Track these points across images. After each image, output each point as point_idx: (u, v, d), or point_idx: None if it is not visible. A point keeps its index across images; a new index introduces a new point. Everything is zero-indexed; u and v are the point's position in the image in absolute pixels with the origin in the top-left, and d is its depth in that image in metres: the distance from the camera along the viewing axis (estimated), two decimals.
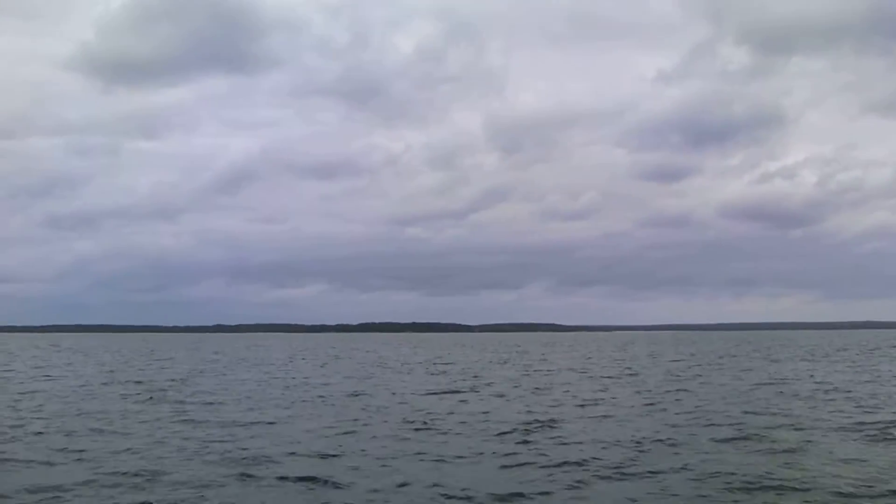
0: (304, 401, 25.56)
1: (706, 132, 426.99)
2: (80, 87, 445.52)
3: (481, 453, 15.45)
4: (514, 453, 15.37)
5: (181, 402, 24.77)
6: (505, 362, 54.12)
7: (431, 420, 20.38)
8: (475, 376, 38.49)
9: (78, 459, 14.72)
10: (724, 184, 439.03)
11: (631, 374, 39.42)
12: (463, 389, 30.06)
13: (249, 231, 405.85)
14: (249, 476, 13.02)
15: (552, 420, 20.22)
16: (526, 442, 16.82)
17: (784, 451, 15.38)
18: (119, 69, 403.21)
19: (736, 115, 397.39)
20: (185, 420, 20.38)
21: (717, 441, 16.75)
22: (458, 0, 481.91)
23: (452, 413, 21.95)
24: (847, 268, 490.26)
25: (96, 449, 15.81)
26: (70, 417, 21.01)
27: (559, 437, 17.53)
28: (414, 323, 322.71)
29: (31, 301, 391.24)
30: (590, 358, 61.64)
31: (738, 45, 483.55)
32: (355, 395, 27.79)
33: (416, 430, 18.68)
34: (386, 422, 20.21)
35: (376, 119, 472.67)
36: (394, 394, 28.31)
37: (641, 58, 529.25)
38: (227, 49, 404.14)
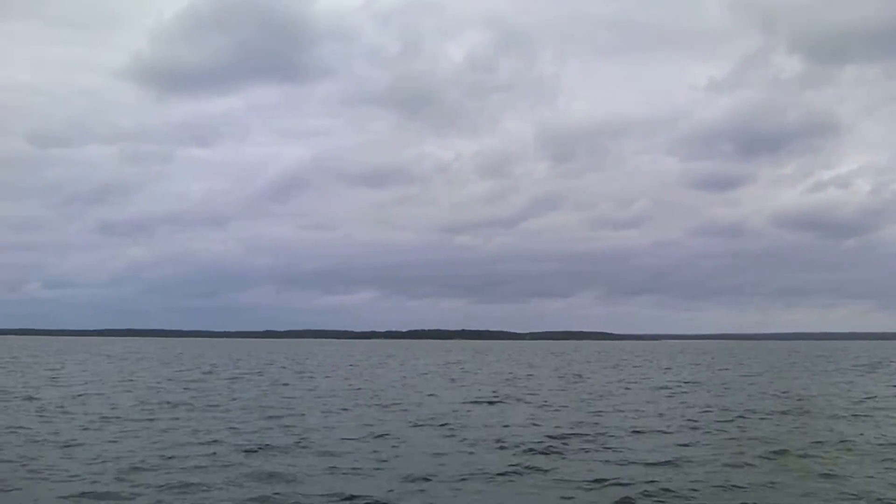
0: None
1: (758, 141, 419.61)
2: (134, 96, 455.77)
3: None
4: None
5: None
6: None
7: None
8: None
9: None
10: (776, 193, 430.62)
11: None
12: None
13: (300, 238, 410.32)
14: None
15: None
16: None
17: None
18: (172, 78, 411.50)
19: (789, 124, 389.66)
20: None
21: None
22: (509, 9, 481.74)
23: None
24: None
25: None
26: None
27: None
28: (463, 330, 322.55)
29: (85, 306, 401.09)
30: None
31: (790, 54, 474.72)
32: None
33: None
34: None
35: (427, 128, 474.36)
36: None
37: (693, 66, 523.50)
38: (278, 58, 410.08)
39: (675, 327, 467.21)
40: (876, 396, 31.85)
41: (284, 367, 57.17)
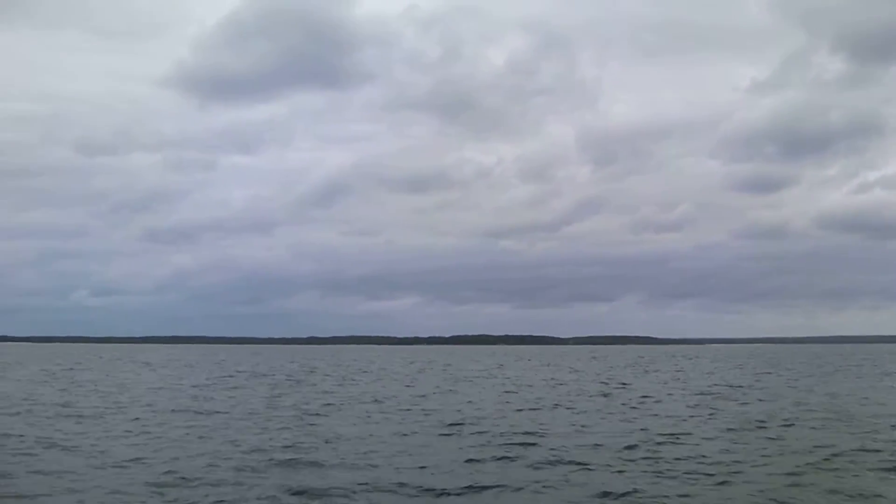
0: None
1: (802, 142, 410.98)
2: (177, 104, 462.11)
3: None
4: None
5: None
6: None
7: None
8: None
9: None
10: (821, 194, 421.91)
11: None
12: None
13: (343, 244, 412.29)
14: None
15: None
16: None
17: None
18: (214, 86, 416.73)
19: (833, 125, 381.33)
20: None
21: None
22: (549, 12, 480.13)
23: None
24: None
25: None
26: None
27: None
28: (506, 335, 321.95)
29: (131, 313, 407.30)
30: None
31: (833, 53, 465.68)
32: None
33: None
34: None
35: (468, 132, 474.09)
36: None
37: (735, 67, 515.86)
38: (320, 64, 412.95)
39: (718, 331, 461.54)
40: None
41: (328, 375, 57.24)
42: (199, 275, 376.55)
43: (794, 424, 23.42)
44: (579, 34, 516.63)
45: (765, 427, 22.73)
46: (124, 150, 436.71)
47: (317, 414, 26.39)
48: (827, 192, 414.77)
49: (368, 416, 25.76)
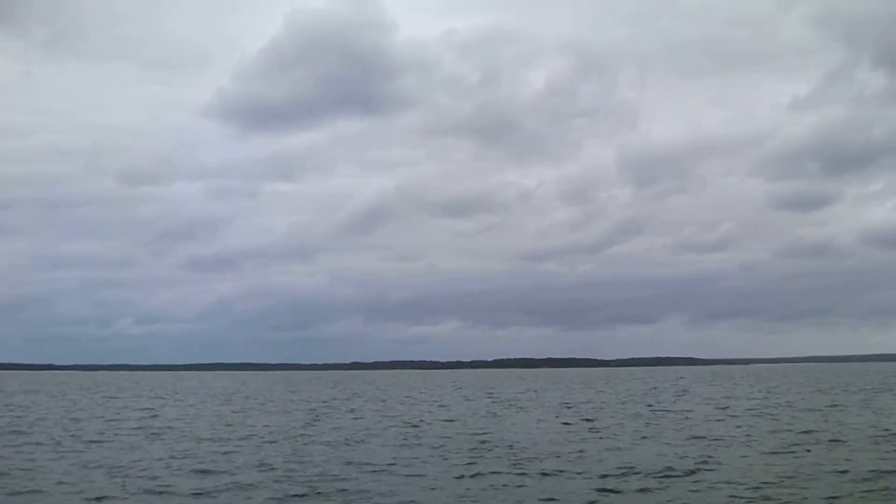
0: None
1: (845, 158, 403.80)
2: (218, 133, 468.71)
3: None
4: None
5: None
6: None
7: None
8: None
9: None
10: (866, 210, 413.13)
11: None
12: None
13: (384, 269, 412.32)
14: None
15: None
16: None
17: None
18: (255, 114, 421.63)
19: (876, 140, 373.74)
20: None
21: None
22: (587, 34, 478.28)
23: None
24: None
25: None
26: None
27: None
28: (549, 358, 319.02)
29: (175, 340, 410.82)
30: None
31: (874, 68, 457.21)
32: None
33: None
34: None
35: (508, 155, 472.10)
36: None
37: (776, 85, 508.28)
38: (359, 91, 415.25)
39: (763, 351, 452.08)
40: None
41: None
42: (241, 301, 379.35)
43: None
44: (618, 55, 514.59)
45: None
46: (167, 179, 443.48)
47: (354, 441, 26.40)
48: (871, 209, 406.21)
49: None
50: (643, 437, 25.79)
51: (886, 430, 26.80)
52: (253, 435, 28.04)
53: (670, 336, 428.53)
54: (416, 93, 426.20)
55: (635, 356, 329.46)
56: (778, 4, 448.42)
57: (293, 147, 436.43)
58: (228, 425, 32.64)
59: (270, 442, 25.62)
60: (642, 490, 16.25)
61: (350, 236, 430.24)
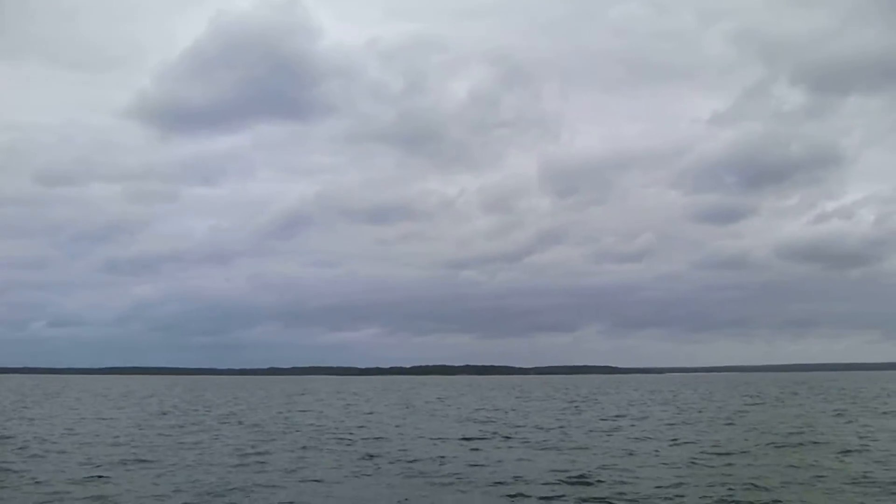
0: None
1: (762, 173, 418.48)
2: (139, 135, 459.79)
3: None
4: None
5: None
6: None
7: None
8: None
9: None
10: (781, 224, 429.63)
11: None
12: None
13: (304, 275, 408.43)
14: None
15: None
16: None
17: None
18: (176, 117, 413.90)
19: (792, 156, 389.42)
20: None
21: None
22: (513, 45, 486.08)
23: None
24: None
25: None
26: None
27: None
28: (468, 365, 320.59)
29: (90, 344, 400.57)
30: None
31: (792, 86, 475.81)
32: None
33: None
34: None
35: (431, 164, 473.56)
36: None
37: (696, 100, 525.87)
38: (283, 96, 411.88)
39: (680, 360, 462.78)
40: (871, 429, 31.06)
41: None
42: (159, 306, 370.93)
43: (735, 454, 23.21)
44: (542, 67, 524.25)
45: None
46: (84, 180, 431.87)
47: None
48: (786, 222, 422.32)
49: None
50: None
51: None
52: None
53: (589, 345, 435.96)
54: (339, 99, 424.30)
55: (554, 364, 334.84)
56: (699, 20, 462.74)
57: (214, 151, 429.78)
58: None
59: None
60: None
61: (270, 241, 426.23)
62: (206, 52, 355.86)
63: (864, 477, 18.08)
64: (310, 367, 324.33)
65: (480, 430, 31.28)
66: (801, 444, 25.25)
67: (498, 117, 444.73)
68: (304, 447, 25.09)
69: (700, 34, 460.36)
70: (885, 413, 41.28)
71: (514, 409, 48.05)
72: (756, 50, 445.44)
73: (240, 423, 36.18)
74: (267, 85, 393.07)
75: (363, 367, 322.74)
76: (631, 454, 22.84)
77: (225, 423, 36.19)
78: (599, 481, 17.87)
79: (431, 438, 27.98)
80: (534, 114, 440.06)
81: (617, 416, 39.82)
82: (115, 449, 24.61)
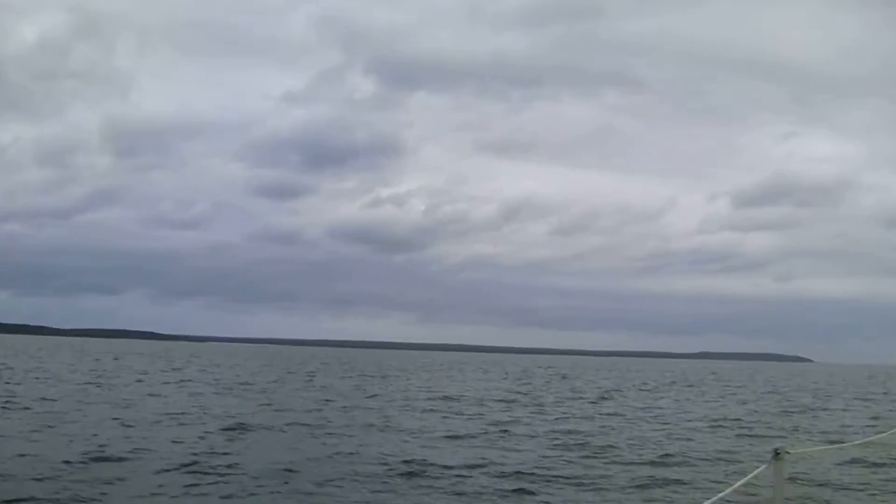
0: None
1: (325, 154, 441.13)
2: None
3: None
4: None
5: None
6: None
7: None
8: None
9: None
10: (336, 205, 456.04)
11: None
12: None
13: None
14: None
15: None
16: None
17: None
18: None
19: (357, 141, 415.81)
20: None
21: None
22: None
23: None
24: (444, 293, 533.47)
25: None
26: None
27: None
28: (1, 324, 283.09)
29: None
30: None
31: (366, 75, 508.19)
32: None
33: None
34: None
35: None
36: None
37: (272, 76, 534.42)
38: None
39: (226, 330, 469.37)
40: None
41: None
42: None
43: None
44: (122, 23, 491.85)
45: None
46: None
47: None
48: (342, 204, 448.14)
49: None
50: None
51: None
52: None
53: (133, 309, 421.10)
54: None
55: (93, 327, 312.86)
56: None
57: None
58: None
59: None
60: None
61: None
62: None
63: None
64: None
65: None
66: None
67: (66, 68, 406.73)
68: None
69: (286, 13, 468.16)
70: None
71: None
72: (337, 35, 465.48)
73: None
74: None
75: None
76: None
77: None
78: None
79: None
80: (104, 69, 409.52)
81: None
82: None
